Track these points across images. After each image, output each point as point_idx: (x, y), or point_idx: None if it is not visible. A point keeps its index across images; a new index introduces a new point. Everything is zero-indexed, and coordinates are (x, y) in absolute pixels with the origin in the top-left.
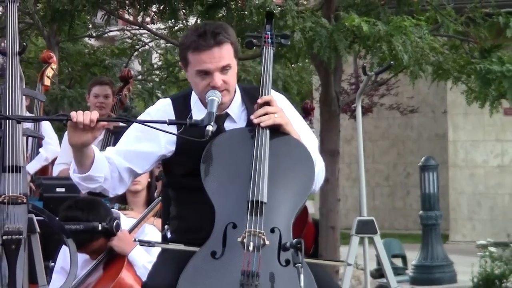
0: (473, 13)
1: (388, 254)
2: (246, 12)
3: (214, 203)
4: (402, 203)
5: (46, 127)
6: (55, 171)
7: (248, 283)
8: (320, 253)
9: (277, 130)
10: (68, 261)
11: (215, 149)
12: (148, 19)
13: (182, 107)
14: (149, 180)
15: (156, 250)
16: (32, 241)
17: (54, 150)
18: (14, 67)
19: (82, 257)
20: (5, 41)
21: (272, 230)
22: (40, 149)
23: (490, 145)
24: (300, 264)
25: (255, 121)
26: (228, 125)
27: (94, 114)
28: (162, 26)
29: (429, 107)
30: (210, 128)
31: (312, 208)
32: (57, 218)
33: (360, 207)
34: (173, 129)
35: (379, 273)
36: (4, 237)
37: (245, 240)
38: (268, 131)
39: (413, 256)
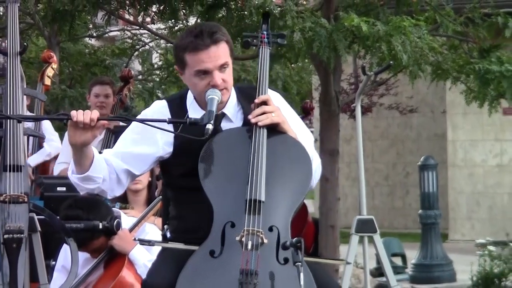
0: (472, 13)
1: (388, 253)
2: (246, 12)
3: (212, 203)
4: (402, 202)
5: (47, 125)
6: (56, 170)
7: (246, 282)
8: (320, 252)
9: (274, 129)
10: (69, 259)
11: (213, 149)
12: (148, 19)
13: (178, 108)
14: (150, 179)
15: (157, 249)
16: (33, 240)
17: (57, 146)
18: (15, 67)
19: (82, 255)
20: (6, 41)
21: (270, 229)
22: (44, 144)
23: (489, 144)
24: (300, 263)
25: (253, 120)
26: (224, 125)
27: (95, 113)
28: (162, 26)
29: (428, 107)
30: (210, 126)
31: (312, 207)
32: (58, 217)
33: (359, 206)
34: (171, 130)
35: (378, 272)
36: (5, 236)
37: (243, 239)
38: (265, 130)
39: (413, 255)
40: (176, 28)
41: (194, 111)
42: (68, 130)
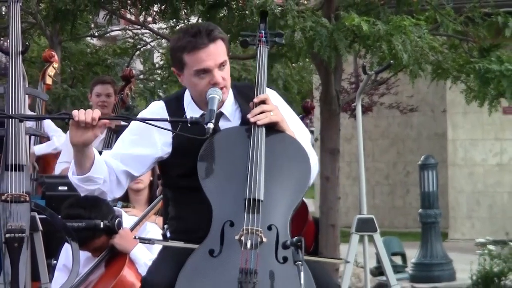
0: (472, 13)
1: (388, 252)
2: (247, 12)
3: (211, 202)
4: (402, 201)
5: (49, 123)
6: (57, 169)
7: (246, 281)
8: (320, 251)
9: (272, 128)
10: (70, 258)
11: (212, 148)
12: (149, 18)
13: (175, 108)
14: (151, 178)
15: (158, 248)
16: (34, 239)
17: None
18: (17, 66)
19: (84, 254)
20: (8, 41)
21: (269, 228)
22: (53, 137)
23: (489, 143)
24: (300, 262)
25: (252, 120)
26: (222, 124)
27: (96, 113)
28: (163, 26)
29: (428, 106)
30: (211, 125)
31: (313, 207)
32: (59, 216)
33: (360, 205)
34: (172, 129)
35: (378, 271)
36: (7, 235)
37: (242, 238)
38: (264, 129)
39: (413, 254)
40: (177, 27)
41: (192, 111)
42: (70, 130)
